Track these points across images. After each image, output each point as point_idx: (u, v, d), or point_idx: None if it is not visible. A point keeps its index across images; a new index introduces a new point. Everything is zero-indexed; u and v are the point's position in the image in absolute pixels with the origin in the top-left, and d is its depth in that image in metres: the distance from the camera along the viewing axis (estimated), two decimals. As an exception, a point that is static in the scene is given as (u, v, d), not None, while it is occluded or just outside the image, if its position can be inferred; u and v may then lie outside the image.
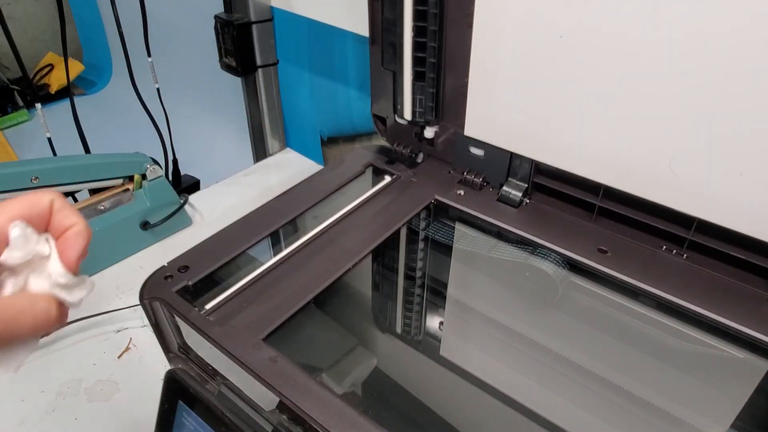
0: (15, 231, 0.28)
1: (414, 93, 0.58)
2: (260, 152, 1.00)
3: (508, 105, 0.53)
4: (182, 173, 0.92)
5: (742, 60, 0.38)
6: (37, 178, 0.63)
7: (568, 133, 0.50)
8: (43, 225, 0.29)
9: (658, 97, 0.43)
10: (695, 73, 0.41)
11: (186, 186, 0.90)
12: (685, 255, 0.49)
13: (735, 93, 0.39)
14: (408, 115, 0.59)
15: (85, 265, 0.71)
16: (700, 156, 0.43)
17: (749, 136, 0.40)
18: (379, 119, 0.66)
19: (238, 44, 0.82)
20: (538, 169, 0.56)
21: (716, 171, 0.43)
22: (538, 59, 0.48)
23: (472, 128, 0.57)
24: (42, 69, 1.46)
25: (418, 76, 0.56)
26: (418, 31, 0.53)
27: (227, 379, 0.45)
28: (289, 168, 0.95)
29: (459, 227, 0.58)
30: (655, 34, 0.41)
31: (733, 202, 0.43)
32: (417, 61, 0.55)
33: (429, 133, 0.61)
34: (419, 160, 0.64)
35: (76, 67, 1.43)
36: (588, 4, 0.43)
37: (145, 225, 0.72)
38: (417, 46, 0.54)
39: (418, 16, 0.52)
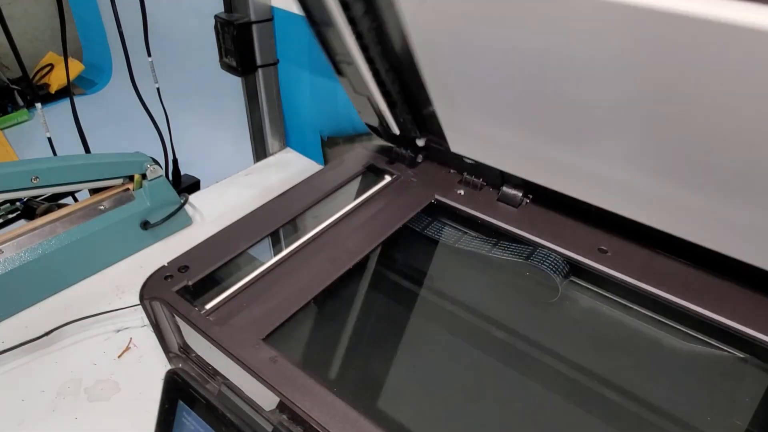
0: None
1: (393, 113, 0.57)
2: (260, 152, 0.99)
3: (481, 125, 0.49)
4: (182, 173, 0.92)
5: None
6: (37, 177, 0.63)
7: (551, 155, 0.46)
8: None
9: (631, 123, 0.38)
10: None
11: (186, 186, 0.90)
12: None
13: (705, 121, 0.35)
14: (395, 130, 0.59)
15: (85, 264, 0.72)
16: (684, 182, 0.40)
17: (728, 159, 0.36)
18: (372, 128, 0.66)
19: (238, 44, 0.82)
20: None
21: (697, 197, 0.41)
22: (492, 79, 0.43)
23: (456, 146, 0.56)
24: (42, 69, 1.46)
25: (389, 102, 0.55)
26: (370, 62, 0.50)
27: (227, 379, 0.45)
28: (289, 168, 0.95)
29: (459, 227, 0.58)
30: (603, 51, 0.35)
31: (721, 227, 0.42)
32: (384, 89, 0.53)
33: (420, 142, 0.61)
34: (419, 159, 0.64)
35: (76, 67, 1.43)
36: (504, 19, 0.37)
37: (145, 225, 0.72)
38: (376, 75, 0.52)
39: (362, 47, 0.49)
